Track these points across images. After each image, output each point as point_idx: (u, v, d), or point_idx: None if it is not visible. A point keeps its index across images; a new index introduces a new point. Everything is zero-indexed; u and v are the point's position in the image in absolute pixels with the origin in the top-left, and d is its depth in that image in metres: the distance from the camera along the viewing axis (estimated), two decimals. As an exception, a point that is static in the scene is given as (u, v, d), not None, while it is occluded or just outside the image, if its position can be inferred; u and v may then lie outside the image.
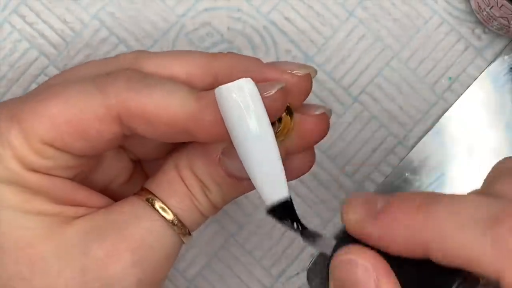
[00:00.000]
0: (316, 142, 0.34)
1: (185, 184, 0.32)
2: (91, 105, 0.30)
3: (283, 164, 0.30)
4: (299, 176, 0.35)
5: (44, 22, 0.42)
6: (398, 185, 0.42)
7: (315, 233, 0.30)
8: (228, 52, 0.34)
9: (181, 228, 0.32)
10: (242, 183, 0.32)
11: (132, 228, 0.31)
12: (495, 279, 0.25)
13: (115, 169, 0.35)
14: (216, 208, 0.33)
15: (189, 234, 0.32)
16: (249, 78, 0.29)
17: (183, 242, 0.32)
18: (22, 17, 0.42)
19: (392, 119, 0.42)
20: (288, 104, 0.32)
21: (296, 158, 0.34)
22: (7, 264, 0.30)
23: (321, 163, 0.42)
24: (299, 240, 0.42)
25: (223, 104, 0.29)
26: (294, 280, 0.42)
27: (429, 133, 0.42)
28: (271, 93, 0.30)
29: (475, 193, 0.28)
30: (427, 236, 0.26)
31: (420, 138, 0.42)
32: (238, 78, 0.29)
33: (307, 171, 0.35)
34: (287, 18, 0.43)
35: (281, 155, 0.30)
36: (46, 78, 0.42)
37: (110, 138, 0.31)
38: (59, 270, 0.30)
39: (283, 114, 0.32)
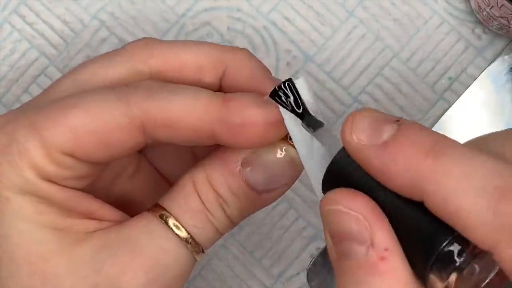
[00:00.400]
0: None
1: (200, 199, 0.31)
2: (114, 115, 0.30)
3: None
4: None
5: (44, 22, 0.42)
6: (398, 185, 0.42)
7: (317, 121, 0.29)
8: (243, 49, 0.34)
9: (195, 246, 0.31)
10: (261, 196, 0.31)
11: (145, 246, 0.30)
12: (486, 249, 0.23)
13: (121, 163, 0.35)
14: (232, 224, 0.32)
15: (203, 251, 0.32)
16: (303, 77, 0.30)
17: (196, 260, 0.32)
18: (22, 17, 0.42)
19: (392, 119, 0.42)
20: None
21: None
22: (20, 277, 0.30)
23: (321, 163, 0.42)
24: (299, 240, 0.42)
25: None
26: (294, 280, 0.42)
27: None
28: None
29: (488, 155, 0.25)
30: (429, 185, 0.24)
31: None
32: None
33: None
34: (287, 18, 0.43)
35: None
36: (46, 79, 0.42)
37: (132, 147, 0.31)
38: (71, 287, 0.30)
39: None
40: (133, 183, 0.35)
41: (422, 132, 0.25)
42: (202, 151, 0.35)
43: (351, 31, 0.43)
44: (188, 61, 0.33)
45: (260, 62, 0.34)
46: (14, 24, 0.42)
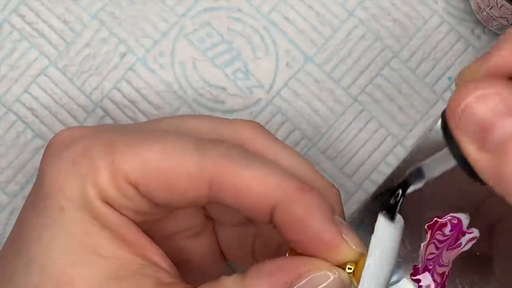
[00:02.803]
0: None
1: None
2: (187, 161, 0.30)
3: None
4: None
5: (44, 22, 0.42)
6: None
7: None
8: (330, 183, 0.33)
9: None
10: None
11: None
12: None
13: (186, 222, 0.35)
14: None
15: None
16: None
17: None
18: (22, 16, 0.42)
19: (392, 119, 0.42)
20: None
21: None
22: (42, 286, 0.29)
23: (320, 163, 0.42)
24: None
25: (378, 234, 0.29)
26: (294, 280, 0.42)
27: (429, 133, 0.42)
28: None
29: None
30: None
31: (420, 138, 0.42)
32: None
33: None
34: (287, 18, 0.43)
35: None
36: (46, 78, 0.42)
37: (194, 199, 0.30)
38: None
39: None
40: (190, 244, 0.35)
41: None
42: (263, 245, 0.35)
43: (351, 31, 0.43)
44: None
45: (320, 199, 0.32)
46: (14, 24, 0.42)
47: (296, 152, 0.34)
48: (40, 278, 0.29)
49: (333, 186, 0.33)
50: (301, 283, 0.29)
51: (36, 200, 0.31)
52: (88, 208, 0.30)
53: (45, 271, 0.30)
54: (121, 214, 0.30)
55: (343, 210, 0.33)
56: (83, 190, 0.30)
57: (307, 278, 0.29)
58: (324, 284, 0.29)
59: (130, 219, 0.31)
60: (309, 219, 0.29)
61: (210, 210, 0.35)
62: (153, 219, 0.33)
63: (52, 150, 0.32)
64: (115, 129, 0.32)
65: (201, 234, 0.35)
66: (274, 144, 0.33)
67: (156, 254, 0.31)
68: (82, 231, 0.30)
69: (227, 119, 0.34)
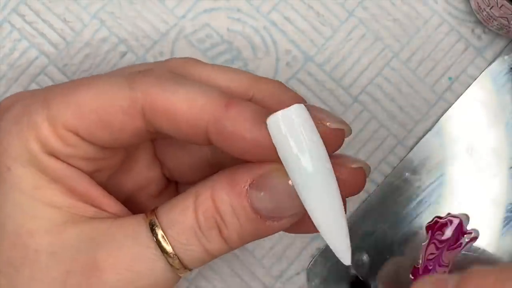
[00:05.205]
0: (347, 196, 0.32)
1: (195, 215, 0.30)
2: (118, 96, 0.30)
3: None
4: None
5: (44, 21, 0.42)
6: (398, 185, 0.42)
7: None
8: (274, 80, 0.33)
9: (176, 261, 0.30)
10: (265, 223, 0.30)
11: (125, 248, 0.30)
12: None
13: (144, 178, 0.35)
14: (228, 247, 0.31)
15: (187, 269, 0.31)
16: (302, 105, 0.28)
17: (179, 276, 0.31)
18: (22, 16, 0.42)
19: (392, 119, 0.42)
20: None
21: None
22: (3, 247, 0.30)
23: (321, 163, 0.42)
24: (299, 240, 0.42)
25: (274, 134, 0.28)
26: (294, 280, 0.42)
27: (429, 133, 0.42)
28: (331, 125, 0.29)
29: None
30: None
31: (420, 138, 0.42)
32: (277, 109, 0.28)
33: None
34: (287, 18, 0.43)
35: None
36: (46, 78, 0.42)
37: (132, 132, 0.31)
38: (46, 267, 0.30)
39: None
40: (154, 204, 0.35)
41: (484, 272, 0.25)
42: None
43: (351, 31, 0.43)
44: (220, 85, 0.32)
45: (291, 91, 0.33)
46: (13, 23, 0.42)
47: (231, 68, 0.34)
48: (0, 239, 0.30)
49: (274, 80, 0.33)
50: (260, 182, 0.29)
51: None
52: (35, 163, 0.30)
53: (1, 228, 0.30)
54: (70, 165, 0.31)
55: (295, 94, 0.33)
56: (27, 147, 0.30)
57: (265, 177, 0.29)
58: (279, 180, 0.29)
59: (81, 169, 0.31)
60: (241, 131, 0.29)
61: (167, 164, 0.35)
62: (106, 168, 0.33)
63: None
64: (52, 87, 0.33)
65: (165, 194, 0.36)
66: (206, 66, 0.33)
67: (110, 205, 0.32)
68: (31, 185, 0.30)
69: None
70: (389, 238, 0.41)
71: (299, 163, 0.28)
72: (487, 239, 0.41)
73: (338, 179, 0.29)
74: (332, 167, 0.29)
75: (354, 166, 0.31)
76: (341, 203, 0.29)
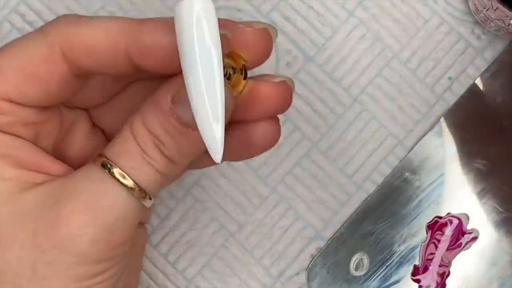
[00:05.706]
0: (276, 112, 0.33)
1: (136, 141, 0.31)
2: (35, 47, 0.31)
3: (246, 133, 0.31)
4: (265, 150, 0.34)
5: (44, 21, 0.42)
6: (398, 185, 0.42)
7: None
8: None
9: (136, 190, 0.31)
10: (196, 133, 0.30)
11: (84, 191, 0.31)
12: None
13: (86, 147, 0.36)
14: (175, 164, 0.32)
15: (146, 195, 0.31)
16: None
17: (145, 206, 0.32)
18: (22, 16, 0.42)
19: (392, 119, 0.42)
20: (244, 63, 0.32)
21: (258, 127, 0.33)
22: None
23: (320, 163, 0.42)
24: (299, 240, 0.42)
25: (178, 21, 0.28)
26: (294, 280, 0.42)
27: (429, 133, 0.42)
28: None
29: None
30: None
31: (420, 138, 0.42)
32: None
33: (272, 145, 0.34)
34: (287, 18, 0.43)
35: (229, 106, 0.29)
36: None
37: (60, 80, 0.31)
38: (12, 234, 0.30)
39: (233, 72, 0.31)
40: (86, 149, 0.36)
41: None
42: None
43: (351, 31, 0.43)
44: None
45: None
46: (13, 23, 0.42)
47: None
48: None
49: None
50: (179, 94, 0.30)
51: None
52: None
53: None
54: (12, 135, 0.32)
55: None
56: None
57: (183, 88, 0.29)
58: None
59: (23, 138, 0.32)
60: (158, 39, 0.30)
61: (109, 134, 0.36)
62: (47, 133, 0.33)
63: None
64: None
65: (92, 137, 0.36)
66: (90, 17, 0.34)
67: (60, 170, 0.33)
68: None
69: None
70: (389, 238, 0.41)
71: (187, 49, 0.28)
72: (487, 239, 0.41)
73: (260, 92, 0.32)
74: (255, 81, 0.32)
75: (276, 80, 0.33)
76: (222, 91, 0.29)
